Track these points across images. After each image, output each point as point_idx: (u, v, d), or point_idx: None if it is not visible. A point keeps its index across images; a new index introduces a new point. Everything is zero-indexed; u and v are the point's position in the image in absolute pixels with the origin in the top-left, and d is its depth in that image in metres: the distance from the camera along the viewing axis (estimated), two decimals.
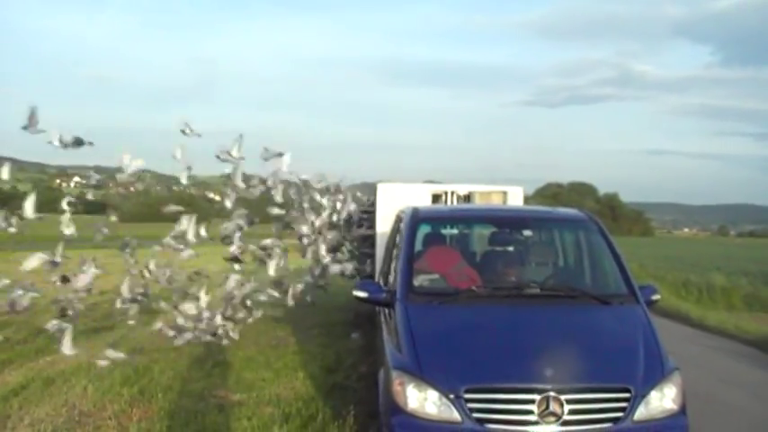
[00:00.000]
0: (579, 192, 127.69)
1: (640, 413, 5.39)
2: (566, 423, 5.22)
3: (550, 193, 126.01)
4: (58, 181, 14.35)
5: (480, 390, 5.28)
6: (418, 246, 7.76)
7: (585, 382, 5.42)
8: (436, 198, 13.06)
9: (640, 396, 5.41)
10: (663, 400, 5.55)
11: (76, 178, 15.23)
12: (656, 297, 6.88)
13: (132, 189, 11.57)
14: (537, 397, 5.22)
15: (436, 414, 5.28)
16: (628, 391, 5.40)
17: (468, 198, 13.07)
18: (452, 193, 13.14)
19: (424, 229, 8.18)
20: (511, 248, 8.03)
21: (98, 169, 10.79)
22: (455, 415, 5.23)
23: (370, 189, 15.55)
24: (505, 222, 8.19)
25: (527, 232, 8.38)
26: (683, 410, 5.67)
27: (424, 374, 5.43)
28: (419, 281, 6.93)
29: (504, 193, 12.82)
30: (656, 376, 5.61)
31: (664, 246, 71.53)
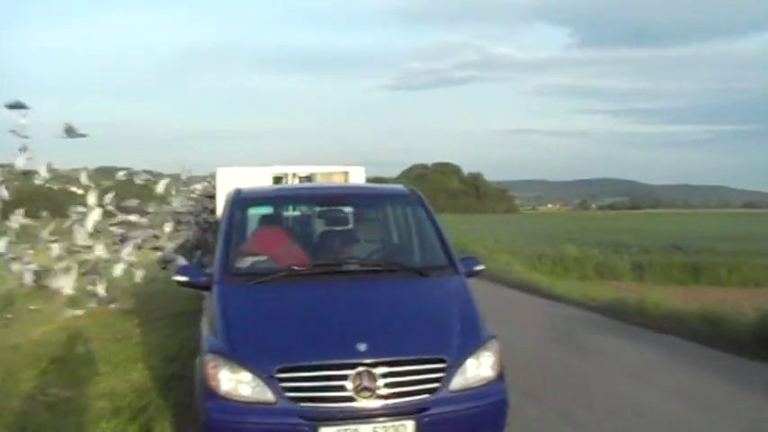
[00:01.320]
0: (444, 172, 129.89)
1: (457, 382, 5.41)
2: (381, 397, 5.20)
3: (415, 174, 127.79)
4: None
5: (293, 369, 5.20)
6: (252, 226, 7.71)
7: (399, 354, 5.39)
8: (277, 180, 12.86)
9: (456, 366, 5.42)
10: (480, 368, 5.57)
11: None
12: (478, 268, 6.96)
13: None
14: (350, 372, 5.19)
15: (250, 395, 5.20)
16: (443, 361, 5.40)
17: (309, 179, 12.98)
18: (294, 174, 13.06)
19: (256, 211, 8.05)
20: (346, 227, 8.07)
21: None
22: (269, 395, 5.15)
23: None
24: (327, 200, 8.18)
25: (349, 209, 8.34)
26: (500, 377, 5.72)
27: (236, 356, 5.35)
28: (245, 263, 6.80)
29: (346, 174, 12.78)
30: (471, 345, 5.63)
31: (526, 221, 73.53)
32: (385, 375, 5.22)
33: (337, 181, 12.73)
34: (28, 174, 12.12)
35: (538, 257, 25.38)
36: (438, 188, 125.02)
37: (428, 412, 5.25)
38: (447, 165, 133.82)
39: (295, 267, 6.63)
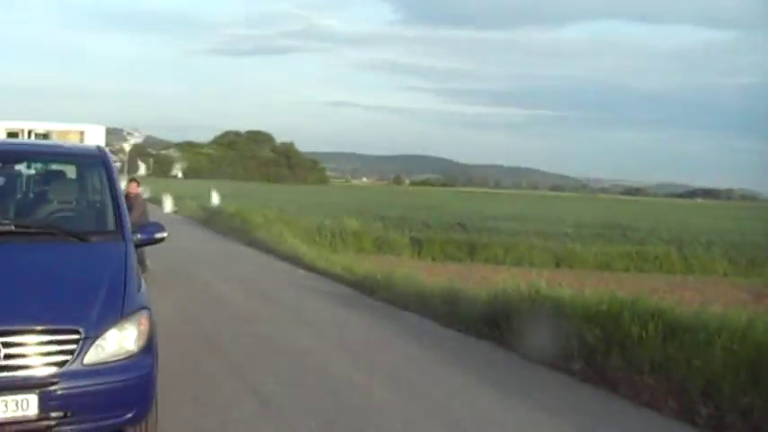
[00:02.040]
0: (256, 140, 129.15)
1: (92, 356, 4.96)
2: (4, 369, 4.72)
3: (227, 141, 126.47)
4: None
5: None
6: None
7: (24, 324, 4.91)
8: (11, 135, 12.46)
9: (93, 338, 4.98)
10: (122, 341, 5.14)
11: None
12: (160, 235, 6.63)
13: None
14: None
15: None
16: (77, 332, 4.95)
17: (45, 136, 12.62)
18: (30, 131, 12.74)
19: None
20: (22, 186, 7.63)
21: None
22: None
23: None
24: (3, 157, 7.42)
25: (21, 166, 7.65)
26: (146, 351, 5.28)
27: None
28: None
29: (82, 133, 12.53)
30: (112, 316, 5.16)
31: (330, 193, 73.63)
32: (7, 345, 4.75)
33: (72, 139, 12.44)
34: None
35: (317, 229, 24.98)
36: (249, 156, 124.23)
37: (55, 387, 4.80)
38: (259, 133, 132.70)
39: None
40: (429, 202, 50.67)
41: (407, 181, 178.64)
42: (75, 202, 7.17)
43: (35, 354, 4.85)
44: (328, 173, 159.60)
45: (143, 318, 5.36)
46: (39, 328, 4.94)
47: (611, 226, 37.42)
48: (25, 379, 4.79)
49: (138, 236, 6.47)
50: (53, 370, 4.85)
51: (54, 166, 7.89)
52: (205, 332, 9.99)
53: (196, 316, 11.09)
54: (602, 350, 8.17)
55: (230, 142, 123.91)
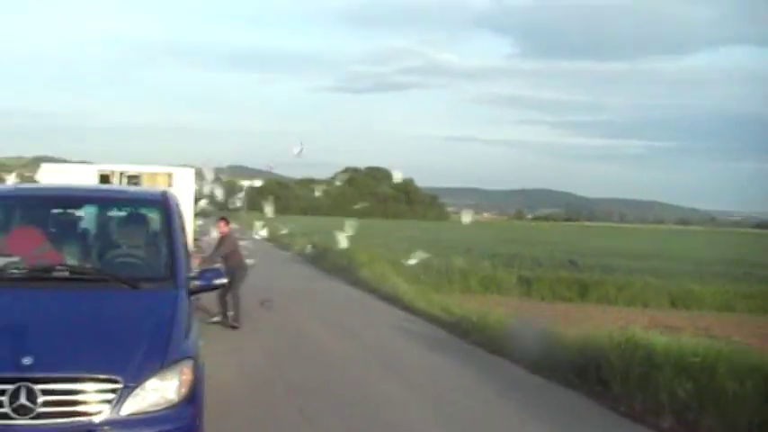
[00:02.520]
0: (375, 176, 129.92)
1: (130, 405, 4.89)
2: (40, 416, 4.69)
3: (347, 177, 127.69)
4: None
5: None
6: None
7: (64, 371, 4.86)
8: (104, 179, 12.70)
9: (132, 387, 4.92)
10: (163, 391, 5.06)
11: None
12: (219, 281, 6.59)
13: None
14: (9, 387, 4.69)
15: None
16: (116, 381, 4.89)
17: (136, 179, 12.81)
18: (122, 173, 12.99)
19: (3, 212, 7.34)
20: (82, 231, 7.42)
21: None
22: None
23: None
24: (64, 202, 7.53)
25: (82, 212, 7.66)
26: (188, 401, 5.18)
27: None
28: None
29: (170, 175, 12.65)
30: (154, 366, 5.08)
31: (446, 230, 73.28)
32: (45, 393, 4.72)
33: (161, 182, 12.58)
34: None
35: (423, 268, 24.55)
36: (367, 192, 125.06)
37: None
38: (379, 169, 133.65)
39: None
40: (546, 238, 49.74)
41: (529, 216, 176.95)
42: (133, 248, 7.08)
43: (73, 402, 4.81)
44: (448, 208, 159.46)
45: (186, 367, 5.25)
46: (77, 376, 4.89)
47: (736, 263, 35.62)
48: (62, 427, 4.75)
49: (197, 283, 6.39)
50: (89, 419, 4.80)
51: (116, 212, 7.86)
52: (285, 374, 9.94)
53: (281, 356, 11.09)
54: (694, 406, 7.54)
55: (349, 178, 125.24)
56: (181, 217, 7.69)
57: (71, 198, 7.60)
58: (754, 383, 7.17)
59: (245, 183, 16.17)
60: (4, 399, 4.67)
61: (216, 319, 13.06)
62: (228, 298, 13.06)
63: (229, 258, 13.14)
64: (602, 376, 9.04)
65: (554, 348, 10.55)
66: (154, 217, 7.17)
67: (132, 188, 9.09)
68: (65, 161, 16.31)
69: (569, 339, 10.87)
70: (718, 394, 7.36)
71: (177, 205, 7.33)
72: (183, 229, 8.48)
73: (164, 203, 7.02)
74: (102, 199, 7.73)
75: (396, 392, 9.17)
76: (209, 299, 12.50)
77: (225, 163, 16.20)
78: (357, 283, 21.19)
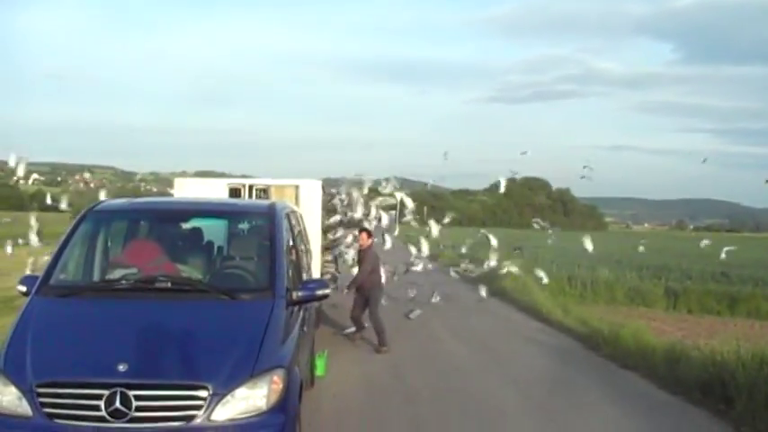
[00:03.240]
0: (531, 187, 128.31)
1: (219, 412, 5.15)
2: (134, 420, 5.01)
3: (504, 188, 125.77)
4: (15, 178, 14.54)
5: (51, 384, 5.14)
6: (119, 240, 7.57)
7: (157, 378, 5.20)
8: (234, 192, 13.02)
9: (222, 394, 5.17)
10: (252, 399, 5.28)
11: (35, 175, 15.41)
12: (321, 292, 6.78)
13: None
14: (105, 392, 5.03)
15: (11, 409, 5.16)
16: (205, 389, 5.15)
17: (265, 192, 13.06)
18: (251, 187, 13.15)
19: (121, 224, 7.82)
20: (196, 243, 7.79)
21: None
22: (27, 410, 5.09)
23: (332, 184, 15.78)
24: (177, 215, 7.89)
25: (202, 226, 8.00)
26: (278, 409, 5.39)
27: (5, 369, 5.31)
28: (115, 275, 6.66)
29: (296, 187, 12.88)
30: (243, 374, 5.31)
31: (603, 240, 71.45)
32: (139, 398, 5.05)
33: (288, 195, 12.76)
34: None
35: (568, 279, 24.16)
36: (523, 203, 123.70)
37: None
38: (536, 180, 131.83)
39: (104, 282, 6.60)
40: (702, 250, 47.60)
41: (691, 226, 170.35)
42: (244, 260, 7.40)
43: (165, 408, 5.10)
44: (607, 219, 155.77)
45: (277, 376, 5.46)
46: (170, 383, 5.18)
47: None
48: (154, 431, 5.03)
49: (299, 293, 6.61)
50: (180, 424, 5.07)
51: (236, 225, 8.23)
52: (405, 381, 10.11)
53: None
54: None
55: (507, 189, 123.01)
56: (293, 229, 7.99)
57: (179, 211, 7.98)
58: None
59: (399, 195, 16.16)
60: (101, 403, 5.02)
61: (350, 331, 13.01)
62: (365, 320, 12.75)
63: (368, 276, 12.61)
64: (728, 393, 8.76)
65: (682, 364, 10.29)
66: (259, 229, 7.45)
67: (241, 201, 9.54)
68: (226, 175, 16.96)
69: (697, 354, 10.58)
70: None
71: (287, 217, 7.62)
72: (301, 239, 8.77)
73: (269, 215, 7.28)
74: (209, 212, 8.06)
75: (512, 404, 9.23)
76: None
77: (385, 174, 16.29)
78: (497, 293, 20.80)
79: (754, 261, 37.30)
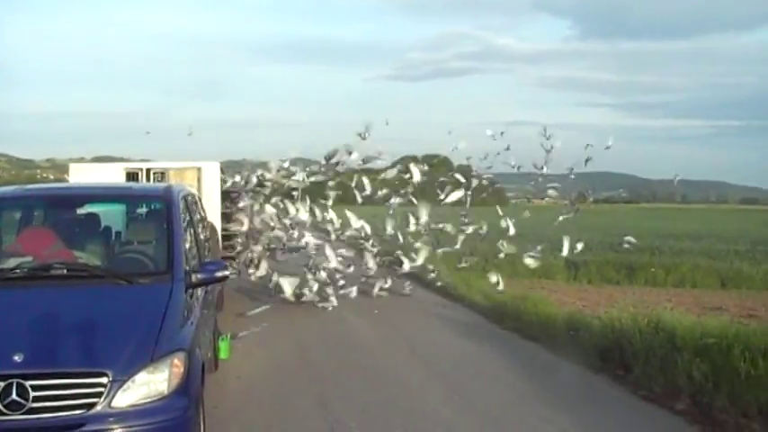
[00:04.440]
0: (432, 164, 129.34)
1: (120, 399, 5.05)
2: (31, 411, 4.88)
3: (404, 165, 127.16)
4: None
5: None
6: (12, 228, 7.39)
7: (55, 367, 5.07)
8: (131, 176, 12.78)
9: (122, 380, 5.07)
10: (152, 384, 5.20)
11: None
12: (221, 274, 6.73)
13: None
14: (1, 384, 4.88)
15: None
16: (105, 375, 5.04)
17: (163, 175, 12.78)
18: (148, 170, 13.04)
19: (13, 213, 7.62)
20: (89, 228, 7.62)
21: None
22: None
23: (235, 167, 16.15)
24: (70, 200, 7.70)
25: (100, 209, 7.86)
26: (180, 392, 5.31)
27: None
28: (8, 264, 6.49)
29: (199, 169, 12.77)
30: (143, 359, 5.22)
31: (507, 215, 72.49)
32: (36, 389, 4.92)
33: (190, 177, 12.62)
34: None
35: (469, 252, 24.27)
36: (430, 181, 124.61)
37: (83, 429, 4.92)
38: (436, 157, 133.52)
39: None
40: (602, 222, 48.79)
41: (591, 199, 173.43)
42: (142, 244, 7.28)
43: (64, 396, 4.95)
44: (509, 194, 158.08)
45: (177, 359, 5.38)
46: (67, 371, 5.05)
47: None
48: (54, 421, 4.88)
49: (199, 276, 6.55)
50: (80, 412, 4.93)
51: (131, 209, 8.06)
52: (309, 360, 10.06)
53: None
54: (709, 388, 7.47)
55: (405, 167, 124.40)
56: (192, 211, 7.89)
57: (73, 197, 7.81)
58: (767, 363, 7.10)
59: (301, 175, 16.02)
60: None
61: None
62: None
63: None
64: (625, 359, 9.00)
65: (582, 333, 10.49)
66: (156, 213, 7.38)
67: (137, 185, 9.48)
68: (125, 160, 16.63)
69: (597, 323, 10.79)
70: (731, 375, 7.29)
71: (184, 199, 7.54)
72: (200, 221, 8.65)
73: (166, 199, 7.18)
74: (103, 197, 7.93)
75: (416, 378, 9.28)
76: None
77: (291, 155, 16.17)
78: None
79: (650, 230, 38.46)
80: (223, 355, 9.10)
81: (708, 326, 8.66)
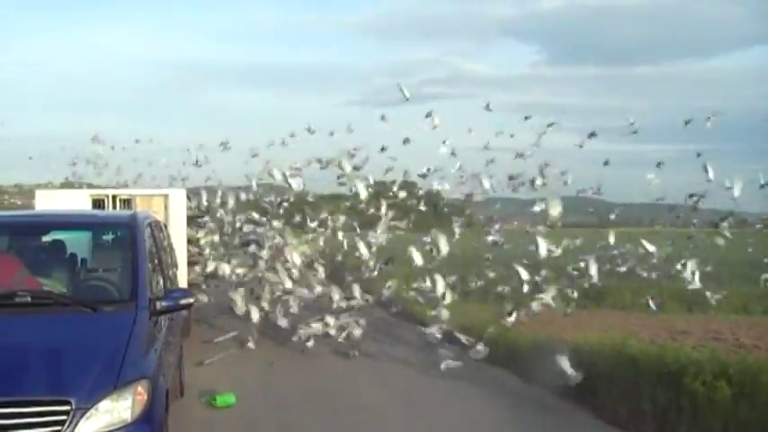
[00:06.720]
0: (402, 189, 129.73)
1: (83, 427, 5.01)
2: None
3: (375, 191, 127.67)
4: None
5: None
6: None
7: (18, 394, 5.04)
8: (97, 203, 12.75)
9: (83, 409, 5.04)
10: (116, 411, 5.18)
11: None
12: (185, 301, 6.75)
13: None
14: None
15: None
16: (68, 403, 5.01)
17: (128, 202, 12.80)
18: (114, 197, 13.00)
19: None
20: (55, 256, 7.54)
21: None
22: None
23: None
24: (33, 228, 7.74)
25: (65, 237, 7.85)
26: (144, 420, 5.30)
27: None
28: None
29: (166, 197, 12.74)
30: (106, 386, 5.20)
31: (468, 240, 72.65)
32: (0, 417, 4.89)
33: (156, 204, 12.62)
34: None
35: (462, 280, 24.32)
36: (395, 205, 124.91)
37: None
38: (406, 183, 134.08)
39: None
40: (571, 245, 48.64)
41: (560, 224, 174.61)
42: (107, 271, 7.29)
43: (27, 425, 4.92)
44: (480, 218, 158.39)
45: (141, 387, 5.36)
46: (30, 399, 5.02)
47: (758, 265, 34.85)
48: None
49: (163, 303, 6.51)
50: None
51: (98, 236, 8.11)
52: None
53: None
54: (673, 413, 7.60)
55: (376, 193, 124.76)
56: (158, 239, 7.91)
57: (38, 224, 7.81)
58: (723, 387, 7.23)
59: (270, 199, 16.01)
60: None
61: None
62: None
63: None
64: (591, 383, 9.09)
65: (548, 359, 10.56)
66: (121, 240, 7.38)
67: (102, 212, 9.44)
68: (92, 187, 16.60)
69: (563, 347, 10.86)
70: (691, 400, 7.41)
71: (149, 227, 7.55)
72: (165, 248, 8.65)
73: (131, 226, 7.17)
74: (68, 224, 7.92)
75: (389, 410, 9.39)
76: None
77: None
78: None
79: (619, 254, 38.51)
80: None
81: (666, 351, 8.79)
